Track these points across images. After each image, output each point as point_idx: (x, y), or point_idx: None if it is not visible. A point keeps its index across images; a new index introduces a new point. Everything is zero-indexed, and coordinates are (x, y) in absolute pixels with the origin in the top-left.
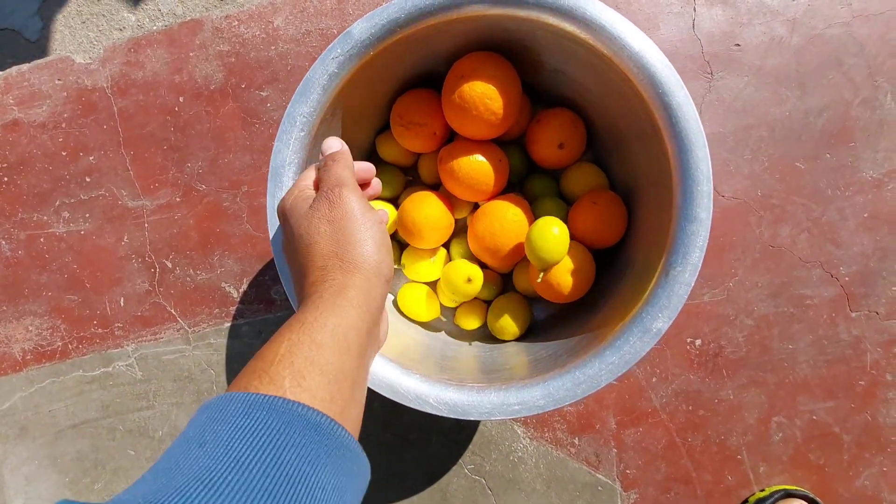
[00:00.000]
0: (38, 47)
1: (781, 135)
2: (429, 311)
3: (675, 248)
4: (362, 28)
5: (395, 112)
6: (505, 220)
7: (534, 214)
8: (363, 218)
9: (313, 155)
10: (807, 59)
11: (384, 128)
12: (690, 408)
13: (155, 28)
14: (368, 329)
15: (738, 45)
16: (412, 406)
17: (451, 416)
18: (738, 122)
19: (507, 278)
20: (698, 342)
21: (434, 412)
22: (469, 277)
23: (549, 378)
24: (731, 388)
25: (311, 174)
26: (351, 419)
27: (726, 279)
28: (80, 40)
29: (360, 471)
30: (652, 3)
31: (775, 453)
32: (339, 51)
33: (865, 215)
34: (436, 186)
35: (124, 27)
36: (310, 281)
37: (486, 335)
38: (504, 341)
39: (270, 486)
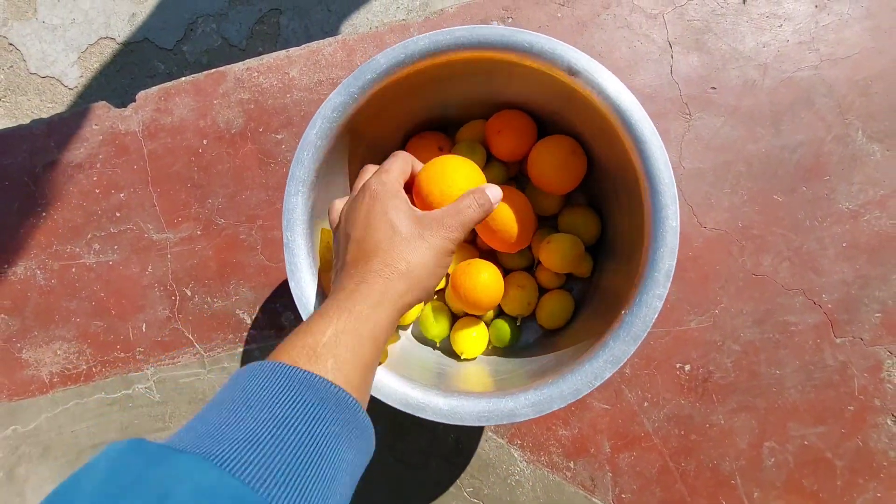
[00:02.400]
0: (75, 93)
1: (759, 170)
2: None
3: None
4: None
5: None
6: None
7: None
8: (423, 232)
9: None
10: (779, 100)
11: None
12: (682, 432)
13: (182, 76)
14: (393, 328)
15: (714, 87)
16: (416, 414)
17: (446, 422)
18: (716, 158)
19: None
20: (687, 367)
21: (434, 418)
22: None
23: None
24: (721, 413)
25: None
26: (367, 402)
27: (712, 306)
28: (114, 87)
29: (368, 449)
30: (632, 52)
31: (769, 479)
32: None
33: (844, 245)
34: None
35: (154, 74)
36: (361, 269)
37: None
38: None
39: (304, 453)
